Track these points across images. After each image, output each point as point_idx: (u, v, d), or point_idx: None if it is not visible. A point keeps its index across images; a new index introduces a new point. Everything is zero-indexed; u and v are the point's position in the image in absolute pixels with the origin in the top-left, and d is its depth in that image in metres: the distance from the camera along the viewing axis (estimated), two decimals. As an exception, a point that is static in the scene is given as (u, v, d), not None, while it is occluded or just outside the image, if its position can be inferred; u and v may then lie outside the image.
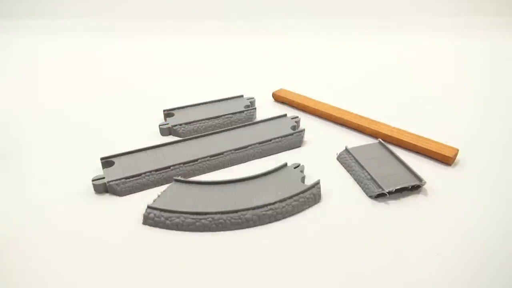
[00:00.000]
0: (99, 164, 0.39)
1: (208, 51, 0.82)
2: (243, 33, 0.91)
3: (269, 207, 0.31)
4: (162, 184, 0.37)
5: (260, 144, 0.40)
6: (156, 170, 0.36)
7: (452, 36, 0.88)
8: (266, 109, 0.54)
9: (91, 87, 0.61)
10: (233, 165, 0.39)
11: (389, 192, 0.34)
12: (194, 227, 0.30)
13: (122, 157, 0.38)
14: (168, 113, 0.49)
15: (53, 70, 0.69)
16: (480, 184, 0.37)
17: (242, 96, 0.53)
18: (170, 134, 0.46)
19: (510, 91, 0.60)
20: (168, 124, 0.46)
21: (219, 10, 0.99)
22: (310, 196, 0.33)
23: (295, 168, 0.36)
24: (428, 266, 0.27)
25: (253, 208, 0.31)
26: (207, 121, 0.47)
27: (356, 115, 0.48)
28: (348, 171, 0.39)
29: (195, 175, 0.38)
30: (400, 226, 0.31)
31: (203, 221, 0.30)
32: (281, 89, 0.57)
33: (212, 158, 0.38)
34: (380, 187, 0.34)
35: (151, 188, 0.36)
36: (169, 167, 0.37)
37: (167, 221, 0.31)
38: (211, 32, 0.92)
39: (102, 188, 0.35)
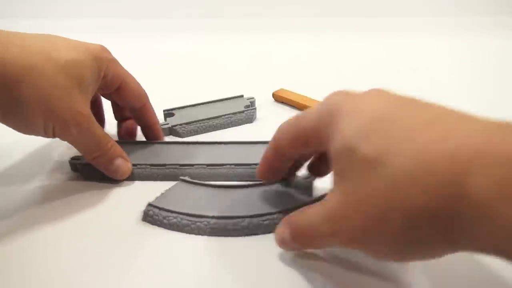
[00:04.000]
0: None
1: (208, 51, 0.81)
2: (243, 32, 0.90)
3: (267, 216, 0.31)
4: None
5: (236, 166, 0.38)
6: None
7: (452, 36, 0.87)
8: (266, 109, 0.53)
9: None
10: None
11: None
12: (190, 229, 0.30)
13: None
14: (167, 113, 0.49)
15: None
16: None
17: (242, 96, 0.53)
18: (170, 134, 0.46)
19: (510, 90, 0.59)
20: (168, 124, 0.46)
21: (218, 10, 0.98)
22: None
23: (305, 179, 0.34)
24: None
25: (251, 216, 0.30)
26: (207, 121, 0.47)
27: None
28: None
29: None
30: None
31: (198, 224, 0.30)
32: (281, 89, 0.56)
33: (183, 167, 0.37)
34: None
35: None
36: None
37: (165, 220, 0.31)
38: (211, 31, 0.91)
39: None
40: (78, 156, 0.37)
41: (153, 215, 0.31)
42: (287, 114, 0.51)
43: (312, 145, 0.25)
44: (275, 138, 0.27)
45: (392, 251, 0.19)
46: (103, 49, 0.34)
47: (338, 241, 0.21)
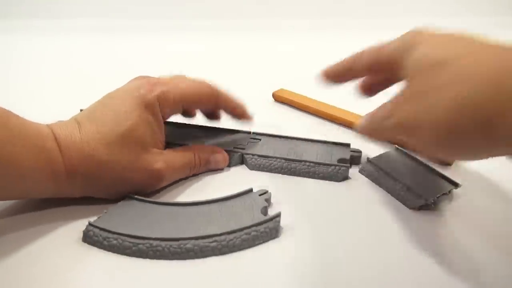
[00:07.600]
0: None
1: (208, 51, 0.81)
2: (243, 32, 0.90)
3: (213, 238, 0.27)
4: None
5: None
6: None
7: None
8: (266, 109, 0.52)
9: (93, 88, 0.59)
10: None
11: (433, 202, 0.32)
12: (131, 251, 0.27)
13: None
14: (254, 138, 0.42)
15: (51, 71, 0.70)
16: (482, 183, 0.36)
17: (348, 145, 0.40)
18: (242, 163, 0.39)
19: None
20: (242, 149, 0.39)
21: (218, 10, 0.98)
22: (264, 230, 0.28)
23: (260, 195, 0.31)
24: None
25: (196, 238, 0.27)
26: (283, 161, 0.37)
27: (359, 115, 0.46)
28: (377, 184, 0.36)
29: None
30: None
31: (140, 246, 0.27)
32: (281, 89, 0.55)
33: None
34: (421, 197, 0.32)
35: None
36: None
37: (105, 242, 0.27)
38: (211, 31, 0.92)
39: None
40: None
41: (93, 236, 0.28)
42: (287, 114, 0.50)
43: (385, 72, 0.31)
44: (355, 59, 0.32)
45: (434, 141, 0.22)
46: (146, 91, 0.32)
47: (393, 122, 0.25)
